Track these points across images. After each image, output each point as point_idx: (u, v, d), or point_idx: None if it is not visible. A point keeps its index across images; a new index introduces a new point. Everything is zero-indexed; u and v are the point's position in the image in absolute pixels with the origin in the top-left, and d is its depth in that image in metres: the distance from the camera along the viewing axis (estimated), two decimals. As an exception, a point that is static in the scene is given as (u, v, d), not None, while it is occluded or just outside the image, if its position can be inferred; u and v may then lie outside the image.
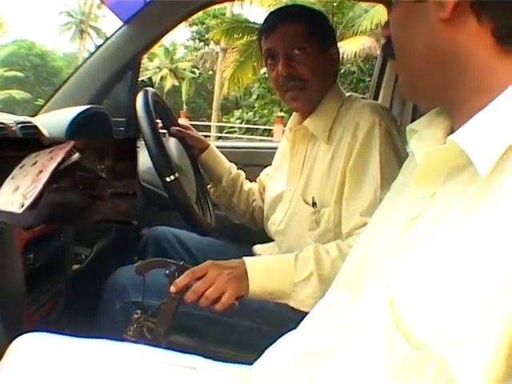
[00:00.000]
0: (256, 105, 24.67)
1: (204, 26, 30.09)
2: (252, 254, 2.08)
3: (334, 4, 18.38)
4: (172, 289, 1.44)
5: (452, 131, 0.85)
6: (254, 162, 2.60)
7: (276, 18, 1.92)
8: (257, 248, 2.12)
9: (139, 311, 1.45)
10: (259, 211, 2.27)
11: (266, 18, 1.95)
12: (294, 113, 2.06)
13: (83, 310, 1.96)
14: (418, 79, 0.87)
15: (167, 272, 1.48)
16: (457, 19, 0.75)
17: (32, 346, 1.10)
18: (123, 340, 1.21)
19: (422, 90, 0.89)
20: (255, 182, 2.38)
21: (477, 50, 0.75)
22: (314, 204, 1.83)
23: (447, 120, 0.90)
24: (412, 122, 2.58)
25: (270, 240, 2.13)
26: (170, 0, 2.55)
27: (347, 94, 1.95)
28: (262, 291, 1.54)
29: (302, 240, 1.86)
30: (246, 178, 2.36)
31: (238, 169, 2.35)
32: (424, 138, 0.90)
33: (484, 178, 0.68)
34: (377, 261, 0.89)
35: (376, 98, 3.09)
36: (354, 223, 1.68)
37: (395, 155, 1.73)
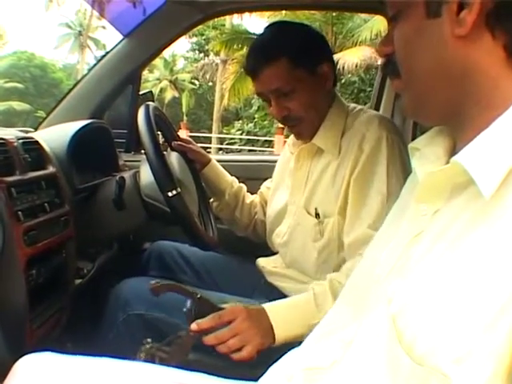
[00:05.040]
0: (256, 116, 24.64)
1: (204, 37, 30.13)
2: (255, 268, 2.09)
3: (334, 14, 18.41)
4: (194, 327, 1.43)
5: (454, 149, 0.85)
6: (255, 176, 2.59)
7: (256, 61, 1.83)
8: (260, 261, 2.12)
9: (149, 340, 1.42)
10: (261, 224, 2.27)
11: (247, 60, 1.87)
12: None
13: (86, 324, 1.96)
14: (425, 96, 0.86)
15: (185, 310, 1.48)
16: (472, 35, 0.74)
17: (35, 368, 1.09)
18: (128, 357, 1.20)
19: (429, 108, 0.87)
20: (258, 192, 2.38)
21: (489, 66, 0.75)
22: (317, 215, 1.83)
23: (449, 138, 0.89)
24: (413, 133, 2.60)
25: (273, 253, 2.13)
26: (171, 13, 2.55)
27: (349, 105, 1.94)
28: (288, 338, 1.53)
29: (306, 250, 1.87)
30: (247, 191, 2.36)
31: (239, 182, 2.35)
32: (425, 156, 0.89)
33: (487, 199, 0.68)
34: (380, 278, 0.88)
35: (377, 109, 3.08)
36: (358, 235, 1.68)
37: (402, 169, 1.72)
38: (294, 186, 1.99)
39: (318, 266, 1.84)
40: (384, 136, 1.73)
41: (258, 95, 1.91)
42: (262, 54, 1.82)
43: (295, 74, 1.77)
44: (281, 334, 1.51)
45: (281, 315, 1.56)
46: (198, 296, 1.49)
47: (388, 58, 0.94)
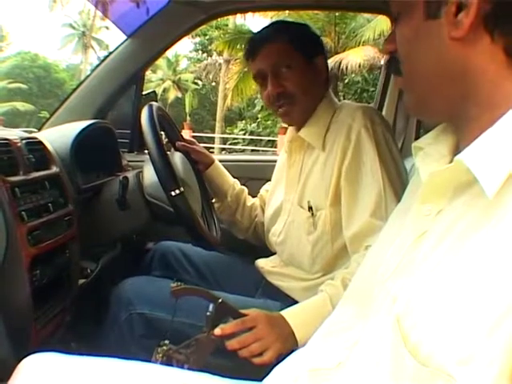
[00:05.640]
0: (259, 116, 24.64)
1: (207, 38, 30.09)
2: (256, 268, 2.10)
3: (337, 14, 18.40)
4: (218, 332, 1.44)
5: (458, 148, 0.84)
6: (258, 176, 2.60)
7: (258, 40, 1.94)
8: (259, 262, 2.13)
9: (167, 341, 1.39)
10: (261, 227, 2.28)
11: (249, 42, 1.97)
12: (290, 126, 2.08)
13: (90, 324, 1.96)
14: (426, 96, 0.86)
15: (208, 313, 1.47)
16: (470, 37, 0.74)
17: (40, 368, 1.09)
18: (130, 356, 1.19)
19: (429, 108, 0.88)
20: (258, 195, 2.39)
21: (488, 68, 0.75)
22: (309, 208, 1.85)
23: (453, 137, 0.90)
24: (417, 133, 2.61)
25: (273, 253, 2.14)
26: (174, 13, 2.55)
27: (339, 102, 1.97)
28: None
29: (301, 245, 1.89)
30: (250, 192, 2.38)
31: (241, 183, 2.37)
32: (429, 155, 0.90)
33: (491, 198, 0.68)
34: (384, 278, 0.88)
35: (380, 109, 3.08)
36: (360, 226, 1.70)
37: (391, 156, 1.76)
38: (287, 184, 2.02)
39: (312, 259, 1.86)
40: (369, 125, 1.76)
41: (256, 76, 1.96)
42: (264, 35, 1.95)
43: (293, 54, 1.86)
44: (302, 337, 1.52)
45: (300, 320, 1.58)
46: (220, 301, 1.49)
47: (392, 56, 0.94)
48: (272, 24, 2.06)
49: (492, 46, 0.74)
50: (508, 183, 0.67)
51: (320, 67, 1.92)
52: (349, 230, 1.74)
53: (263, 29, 2.00)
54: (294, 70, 1.85)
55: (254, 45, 1.93)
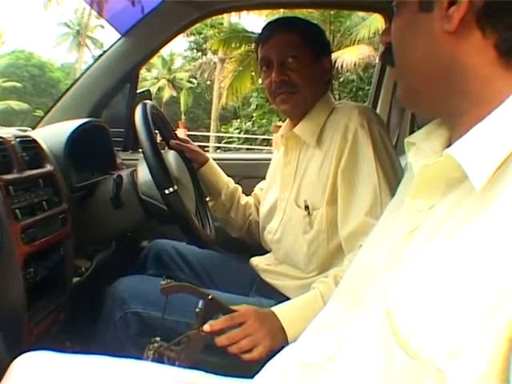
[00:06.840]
0: (254, 114, 24.62)
1: (202, 36, 30.02)
2: (251, 266, 2.10)
3: (332, 12, 18.39)
4: (207, 328, 1.44)
5: (450, 143, 0.85)
6: (253, 174, 2.60)
7: (272, 27, 1.97)
8: (253, 260, 2.13)
9: (158, 338, 1.39)
10: (255, 225, 2.29)
11: (264, 28, 1.99)
12: (286, 120, 2.09)
13: (84, 323, 1.96)
14: (417, 89, 0.88)
15: (197, 310, 1.46)
16: (462, 32, 0.76)
17: (33, 366, 1.09)
18: (125, 355, 1.19)
19: (421, 100, 0.89)
20: (252, 193, 2.40)
21: (479, 63, 0.76)
22: (306, 207, 1.85)
23: (446, 132, 0.90)
24: (411, 129, 2.61)
25: (268, 251, 2.14)
26: (168, 12, 2.55)
27: (337, 102, 1.98)
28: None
29: (297, 244, 1.89)
30: (244, 190, 2.38)
31: (236, 181, 2.37)
32: (422, 151, 0.90)
33: (479, 191, 0.69)
34: (375, 273, 0.88)
35: (374, 107, 3.09)
36: (356, 225, 1.71)
37: (387, 154, 1.77)
38: (282, 182, 2.03)
39: (308, 258, 1.86)
40: (365, 124, 1.77)
41: (261, 61, 1.98)
42: (281, 22, 2.01)
43: (301, 48, 1.89)
44: (293, 333, 1.51)
45: (290, 316, 1.58)
46: (210, 297, 1.49)
47: (387, 47, 0.95)
48: (288, 17, 2.13)
49: (483, 42, 0.75)
50: (497, 176, 0.68)
51: (325, 67, 1.96)
52: (344, 230, 1.74)
53: (279, 18, 2.07)
54: (299, 62, 1.88)
55: (267, 31, 1.96)
